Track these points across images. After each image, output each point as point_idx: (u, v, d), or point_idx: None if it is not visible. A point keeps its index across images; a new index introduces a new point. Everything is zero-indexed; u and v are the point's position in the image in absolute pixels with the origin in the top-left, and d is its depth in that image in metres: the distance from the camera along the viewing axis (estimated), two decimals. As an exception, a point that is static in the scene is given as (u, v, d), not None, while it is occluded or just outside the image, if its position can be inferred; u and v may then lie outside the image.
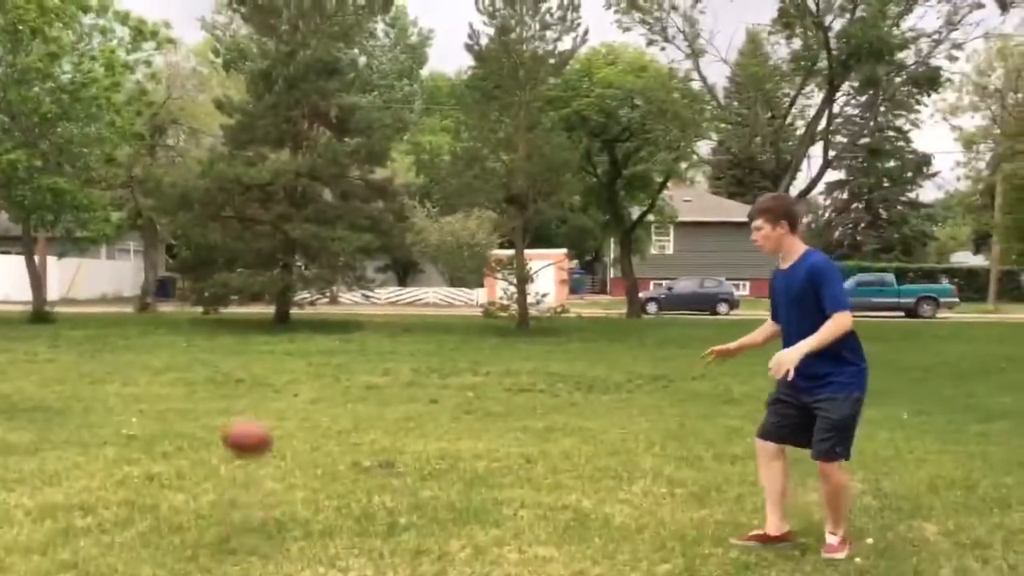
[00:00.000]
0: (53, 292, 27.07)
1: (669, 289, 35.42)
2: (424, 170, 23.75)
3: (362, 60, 52.19)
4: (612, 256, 46.16)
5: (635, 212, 32.22)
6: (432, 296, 38.36)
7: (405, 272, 42.56)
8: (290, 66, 21.30)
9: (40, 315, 21.57)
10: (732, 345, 4.67)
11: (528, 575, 3.93)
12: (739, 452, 6.59)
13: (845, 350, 4.18)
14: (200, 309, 22.21)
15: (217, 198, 20.94)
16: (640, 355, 15.40)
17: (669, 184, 31.96)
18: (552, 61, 21.93)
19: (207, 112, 28.24)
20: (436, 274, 41.03)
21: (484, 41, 21.67)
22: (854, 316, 4.14)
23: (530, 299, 21.39)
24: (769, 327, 4.61)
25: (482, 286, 34.22)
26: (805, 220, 52.09)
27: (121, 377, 10.96)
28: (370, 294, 24.00)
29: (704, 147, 32.06)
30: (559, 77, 24.09)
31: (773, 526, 4.39)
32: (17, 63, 20.98)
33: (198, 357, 13.71)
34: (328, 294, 22.29)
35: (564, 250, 33.74)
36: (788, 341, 4.27)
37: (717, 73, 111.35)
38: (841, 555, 4.20)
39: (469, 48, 21.97)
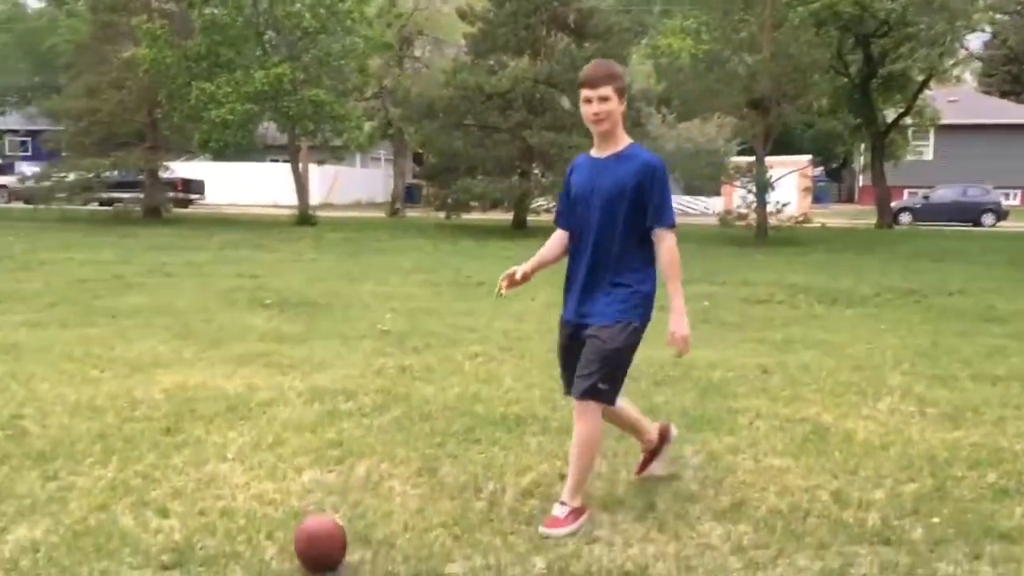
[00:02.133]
0: (314, 197, 29.33)
1: (926, 198, 32.77)
2: (663, 74, 23.19)
3: (601, -38, 51.09)
4: (862, 163, 43.19)
5: (890, 115, 29.84)
6: (667, 204, 37.86)
7: (640, 179, 42.20)
8: (530, -29, 21.36)
9: (304, 218, 23.51)
10: (527, 267, 3.64)
11: (764, 483, 3.89)
12: (1001, 373, 6.12)
13: (637, 268, 3.46)
14: (443, 215, 23.29)
15: (460, 107, 21.67)
16: (890, 268, 14.48)
17: (931, 83, 29.25)
18: (803, -49, 20.50)
19: (451, 22, 28.96)
20: (672, 182, 40.31)
21: (729, -66, 20.60)
22: None
23: (770, 208, 20.58)
24: (561, 238, 3.64)
25: (719, 194, 33.28)
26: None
27: (375, 277, 11.81)
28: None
29: (975, 41, 28.91)
30: (810, -32, 22.47)
31: (647, 439, 3.93)
32: (281, -21, 22.49)
33: (443, 260, 14.46)
34: (564, 201, 22.63)
35: (809, 156, 31.90)
36: (580, 254, 3.49)
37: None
38: (564, 531, 3.32)
39: (713, -57, 20.96)
